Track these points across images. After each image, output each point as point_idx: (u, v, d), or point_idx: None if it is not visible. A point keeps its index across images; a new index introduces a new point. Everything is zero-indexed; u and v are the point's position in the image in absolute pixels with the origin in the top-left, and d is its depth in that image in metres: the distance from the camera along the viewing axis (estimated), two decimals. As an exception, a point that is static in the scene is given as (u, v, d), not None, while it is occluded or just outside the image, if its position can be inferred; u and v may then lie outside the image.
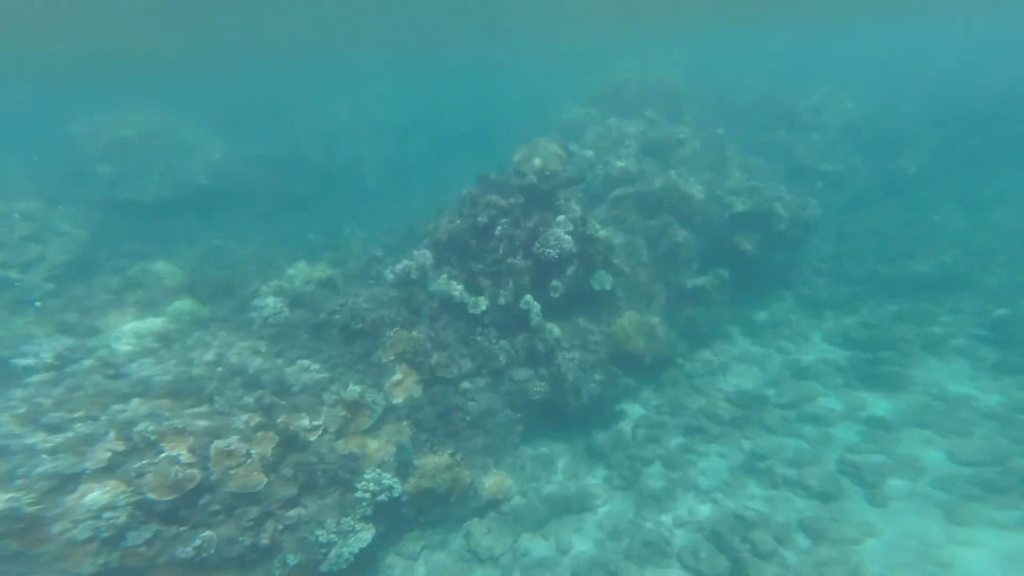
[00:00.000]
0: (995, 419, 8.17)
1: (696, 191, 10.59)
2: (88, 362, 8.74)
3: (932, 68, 27.04)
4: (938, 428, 8.15)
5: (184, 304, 11.33)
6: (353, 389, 7.93)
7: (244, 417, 7.11)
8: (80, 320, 10.83)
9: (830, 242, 13.16)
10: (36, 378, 8.11)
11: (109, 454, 6.23)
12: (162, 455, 6.29)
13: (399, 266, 10.39)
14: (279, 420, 7.17)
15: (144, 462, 6.19)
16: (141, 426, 6.60)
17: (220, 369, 8.56)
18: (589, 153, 11.34)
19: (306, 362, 8.75)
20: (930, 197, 15.57)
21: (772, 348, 10.41)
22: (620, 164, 10.98)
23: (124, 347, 9.55)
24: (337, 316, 9.88)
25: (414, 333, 9.11)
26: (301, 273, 11.66)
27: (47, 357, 8.68)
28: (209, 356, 9.04)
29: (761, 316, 11.25)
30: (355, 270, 11.90)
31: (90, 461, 6.15)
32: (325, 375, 8.33)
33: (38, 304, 10.22)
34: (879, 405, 8.82)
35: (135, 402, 7.41)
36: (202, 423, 6.90)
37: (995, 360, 9.40)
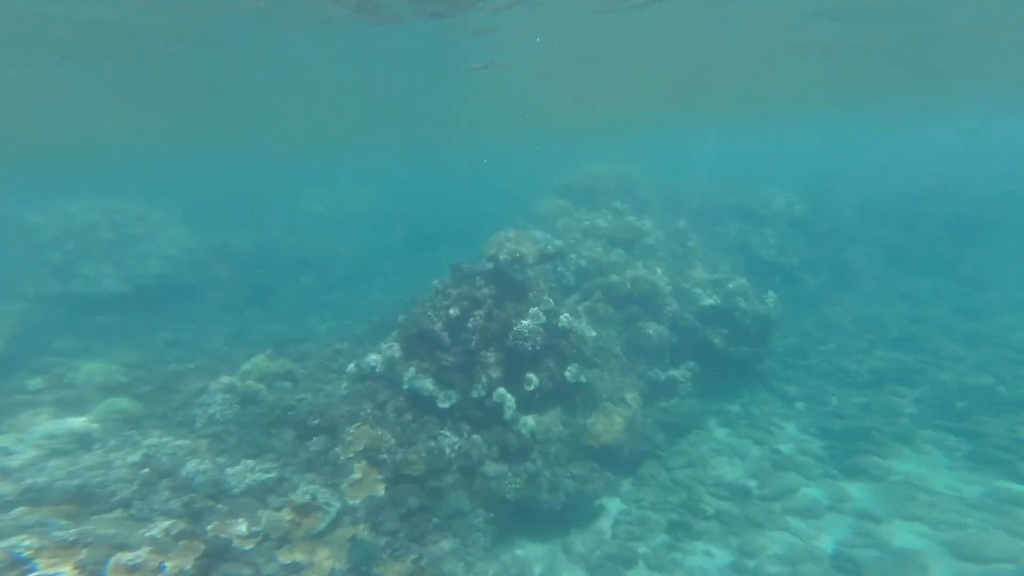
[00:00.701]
0: (985, 510, 7.88)
1: (663, 283, 11.04)
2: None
3: (853, 168, 30.95)
4: (929, 521, 7.78)
5: (116, 403, 10.18)
6: (305, 490, 7.00)
7: (164, 524, 6.01)
8: (-25, 420, 9.44)
9: (793, 335, 13.61)
10: None
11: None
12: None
13: (364, 359, 10.01)
14: (209, 527, 6.09)
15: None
16: (13, 540, 5.35)
17: (146, 471, 7.45)
18: (560, 243, 11.85)
19: (252, 462, 7.77)
20: (874, 291, 16.74)
21: (749, 439, 10.15)
22: (591, 255, 11.48)
23: (26, 450, 8.23)
24: (293, 412, 9.14)
25: (378, 429, 8.41)
26: (258, 368, 10.89)
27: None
28: (135, 457, 7.90)
29: (735, 407, 11.12)
30: (318, 364, 11.27)
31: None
32: (273, 475, 7.36)
33: None
34: (863, 496, 8.48)
35: (18, 511, 6.15)
36: (107, 532, 5.74)
37: (968, 451, 9.40)
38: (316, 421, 8.72)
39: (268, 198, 24.96)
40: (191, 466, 7.53)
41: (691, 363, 10.84)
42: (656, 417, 10.21)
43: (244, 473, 7.43)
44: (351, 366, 10.38)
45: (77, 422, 9.21)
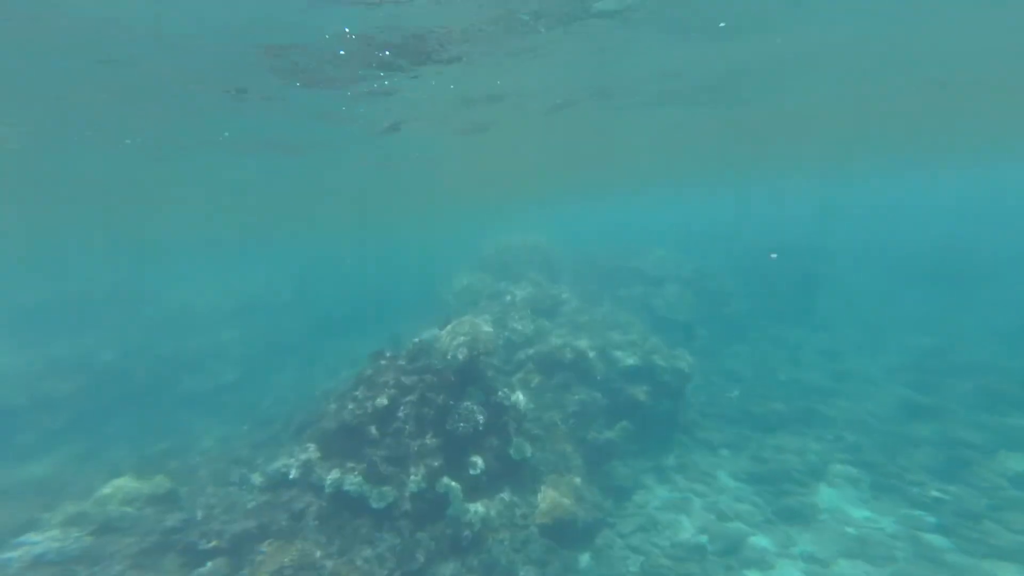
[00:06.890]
0: (904, 540, 8.49)
1: (587, 348, 11.31)
2: None
3: (722, 229, 35.77)
4: (865, 557, 8.22)
5: None
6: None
7: None
8: None
9: (702, 387, 14.45)
10: None
11: None
12: None
13: (273, 466, 8.66)
14: None
15: None
16: None
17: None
18: (488, 317, 11.72)
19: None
20: (758, 340, 18.71)
21: (689, 492, 10.25)
22: (518, 327, 11.45)
23: None
24: (177, 536, 7.32)
25: (297, 543, 7.03)
26: (122, 491, 8.70)
27: None
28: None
29: (669, 461, 11.24)
30: (209, 478, 9.35)
31: None
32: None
33: None
34: (803, 538, 8.79)
35: None
36: None
37: (870, 481, 10.17)
38: (211, 543, 7.05)
39: (134, 294, 21.62)
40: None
41: (624, 422, 10.93)
42: (600, 482, 9.92)
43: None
44: (255, 476, 8.88)
45: None
